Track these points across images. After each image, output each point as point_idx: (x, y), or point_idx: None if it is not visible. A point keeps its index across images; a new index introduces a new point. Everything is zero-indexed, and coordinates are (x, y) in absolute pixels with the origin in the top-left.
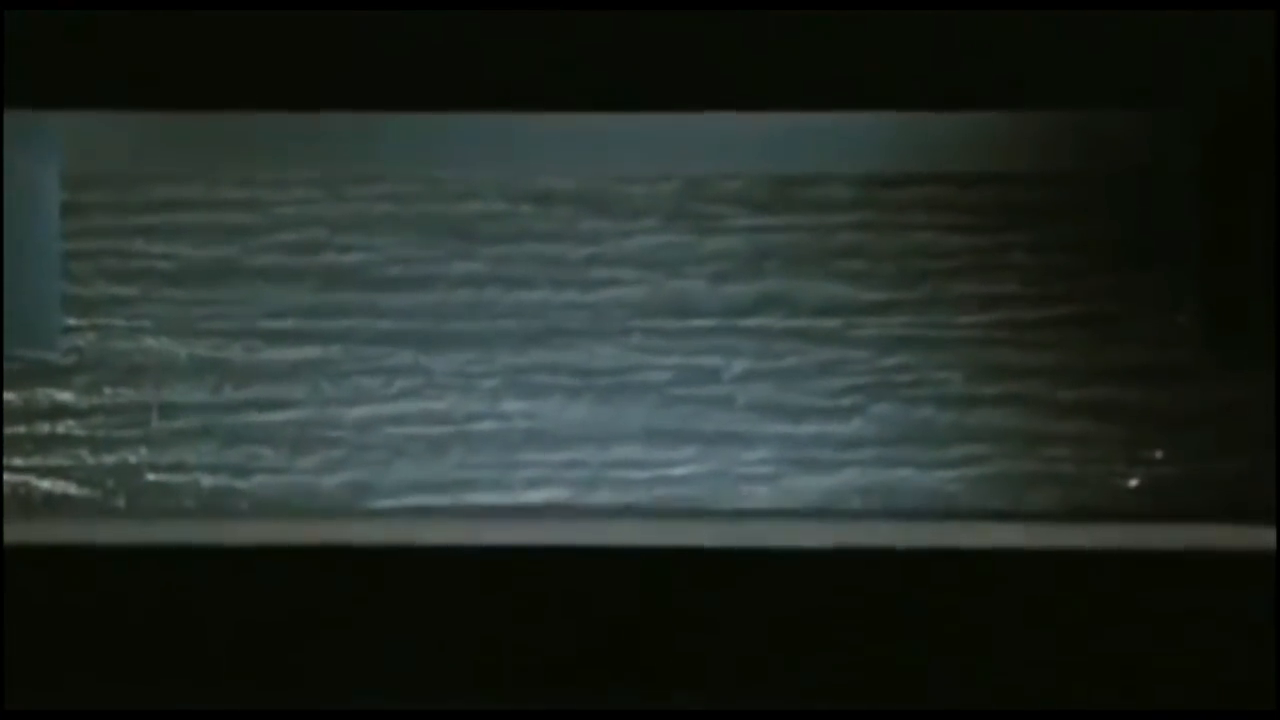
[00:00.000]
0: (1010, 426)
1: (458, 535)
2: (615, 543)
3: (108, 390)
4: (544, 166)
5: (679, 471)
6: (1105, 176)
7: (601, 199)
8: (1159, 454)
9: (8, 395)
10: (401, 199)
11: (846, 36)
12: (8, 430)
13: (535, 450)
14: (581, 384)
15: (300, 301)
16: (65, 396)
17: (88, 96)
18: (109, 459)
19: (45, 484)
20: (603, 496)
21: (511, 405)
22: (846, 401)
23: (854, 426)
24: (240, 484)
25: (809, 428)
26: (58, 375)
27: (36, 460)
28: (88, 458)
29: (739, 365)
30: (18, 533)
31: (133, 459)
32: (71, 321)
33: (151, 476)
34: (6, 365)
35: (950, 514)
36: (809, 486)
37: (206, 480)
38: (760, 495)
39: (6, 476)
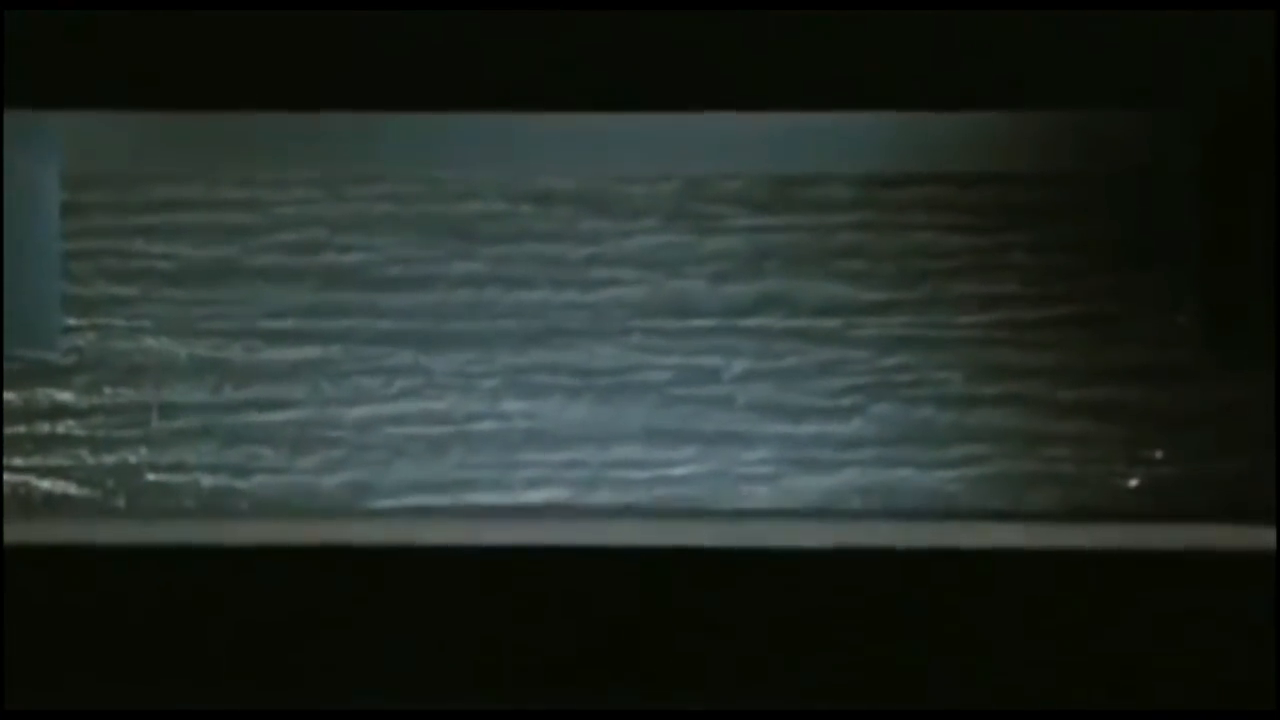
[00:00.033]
0: (1010, 426)
1: (458, 535)
2: (615, 543)
3: (108, 390)
4: (544, 166)
5: (679, 471)
6: (1105, 177)
7: (601, 199)
8: (1159, 454)
9: (8, 395)
10: (401, 199)
11: (846, 37)
12: (8, 430)
13: (535, 450)
14: (581, 384)
15: (300, 301)
16: (65, 396)
17: (88, 96)
18: (109, 459)
19: (45, 484)
20: (603, 496)
21: (511, 405)
22: (846, 401)
23: (854, 426)
24: (240, 484)
25: (809, 428)
26: (58, 375)
27: (37, 460)
28: (88, 458)
29: (739, 365)
30: (18, 533)
31: (133, 459)
32: (71, 321)
33: (151, 476)
34: (7, 365)
35: (950, 514)
36: (809, 486)
37: (206, 480)
38: (760, 495)
39: (6, 476)
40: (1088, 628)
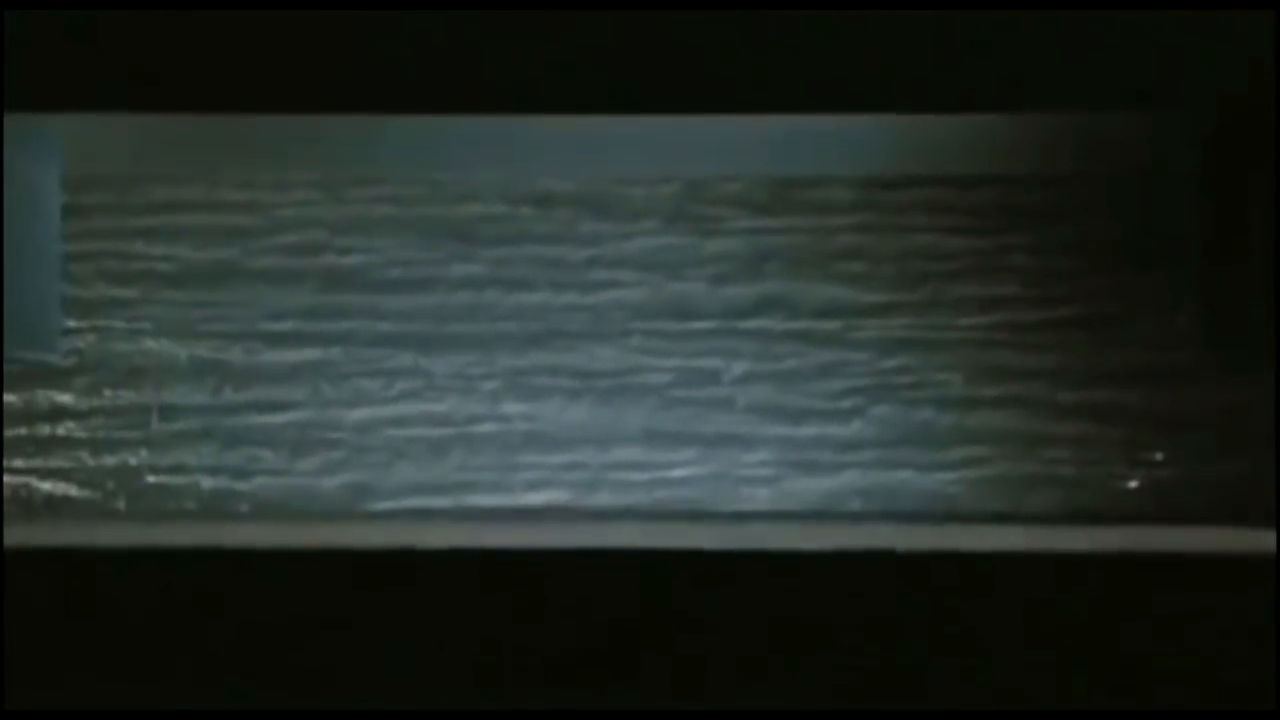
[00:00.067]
0: (1010, 428)
1: (458, 537)
2: (615, 545)
3: (108, 392)
4: (544, 169)
5: (679, 473)
6: (1105, 178)
7: (602, 201)
8: (1159, 456)
9: (8, 397)
10: (402, 201)
11: (846, 39)
12: (8, 432)
13: (535, 452)
14: (581, 386)
15: (300, 303)
16: (65, 398)
17: (88, 99)
18: (109, 461)
19: (46, 486)
20: (603, 498)
21: (512, 407)
22: (847, 403)
23: (854, 428)
24: (240, 486)
25: (809, 430)
26: (58, 377)
27: (37, 462)
28: (88, 459)
29: (739, 367)
30: (18, 534)
31: (133, 461)
32: (72, 323)
33: (152, 478)
34: (7, 367)
35: (950, 516)
36: (809, 488)
37: (206, 482)
38: (760, 497)
39: (7, 478)
40: (1088, 630)
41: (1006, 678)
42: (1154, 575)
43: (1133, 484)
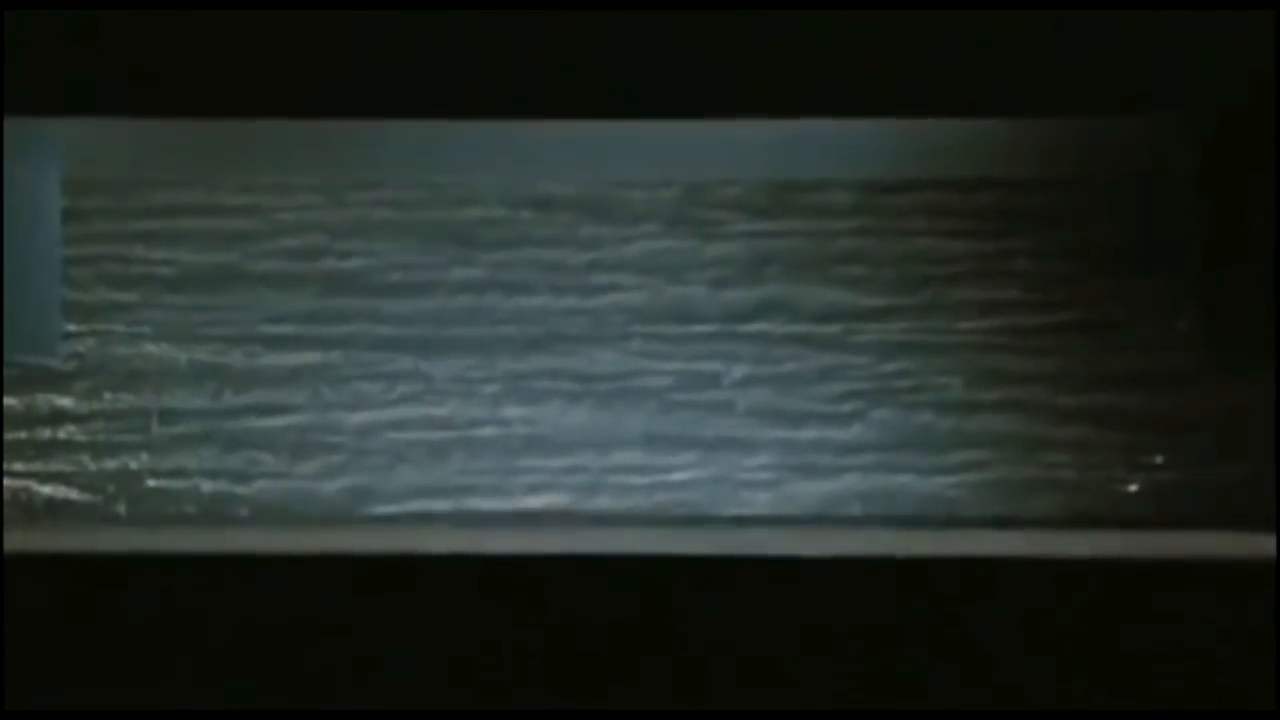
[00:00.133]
0: (1010, 432)
1: (458, 541)
2: (615, 549)
3: (108, 396)
4: (544, 172)
5: (679, 477)
6: (1105, 182)
7: (602, 205)
8: (1159, 459)
9: (8, 401)
10: (402, 205)
11: (846, 42)
12: (8, 436)
13: (535, 456)
14: (582, 389)
15: (301, 307)
16: (66, 402)
17: (88, 103)
18: (110, 464)
19: (46, 489)
20: (603, 502)
21: (512, 411)
22: (847, 407)
23: (854, 432)
24: (241, 489)
25: (809, 433)
26: (58, 381)
27: (37, 466)
28: (88, 463)
29: (739, 370)
30: (18, 538)
31: (133, 464)
32: (72, 327)
33: (152, 482)
34: (7, 371)
35: (951, 519)
36: (809, 492)
37: (207, 485)
38: (760, 501)
39: (7, 482)
40: (1088, 634)
41: (1007, 681)
42: (1154, 580)
43: (1133, 487)
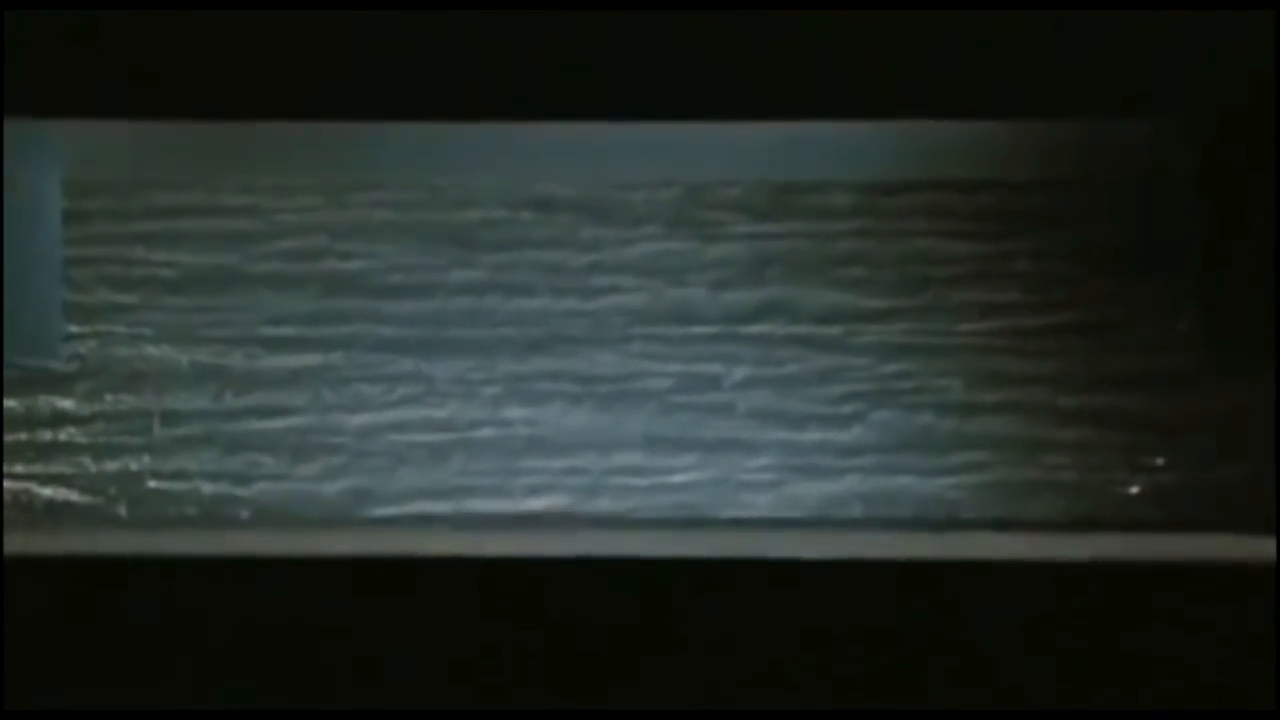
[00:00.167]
0: (1011, 434)
1: (458, 543)
2: (615, 551)
3: (109, 397)
4: (544, 174)
5: (679, 479)
6: (1105, 183)
7: (602, 206)
8: (1160, 461)
9: (9, 402)
10: (402, 206)
11: (847, 42)
12: (9, 437)
13: (536, 457)
14: (582, 391)
15: (301, 308)
16: (67, 404)
17: (89, 104)
18: (111, 466)
19: (47, 491)
20: (603, 504)
21: (512, 412)
22: (847, 409)
23: (855, 434)
24: (241, 491)
25: (810, 435)
26: (59, 382)
27: (38, 467)
28: (89, 465)
29: (740, 372)
30: (19, 540)
31: (134, 466)
32: (73, 329)
33: (153, 483)
34: (7, 372)
35: (951, 521)
36: (810, 494)
37: (207, 487)
38: (761, 502)
39: (8, 484)
40: (1088, 636)
41: (1007, 683)
42: (1154, 582)
43: (1134, 489)
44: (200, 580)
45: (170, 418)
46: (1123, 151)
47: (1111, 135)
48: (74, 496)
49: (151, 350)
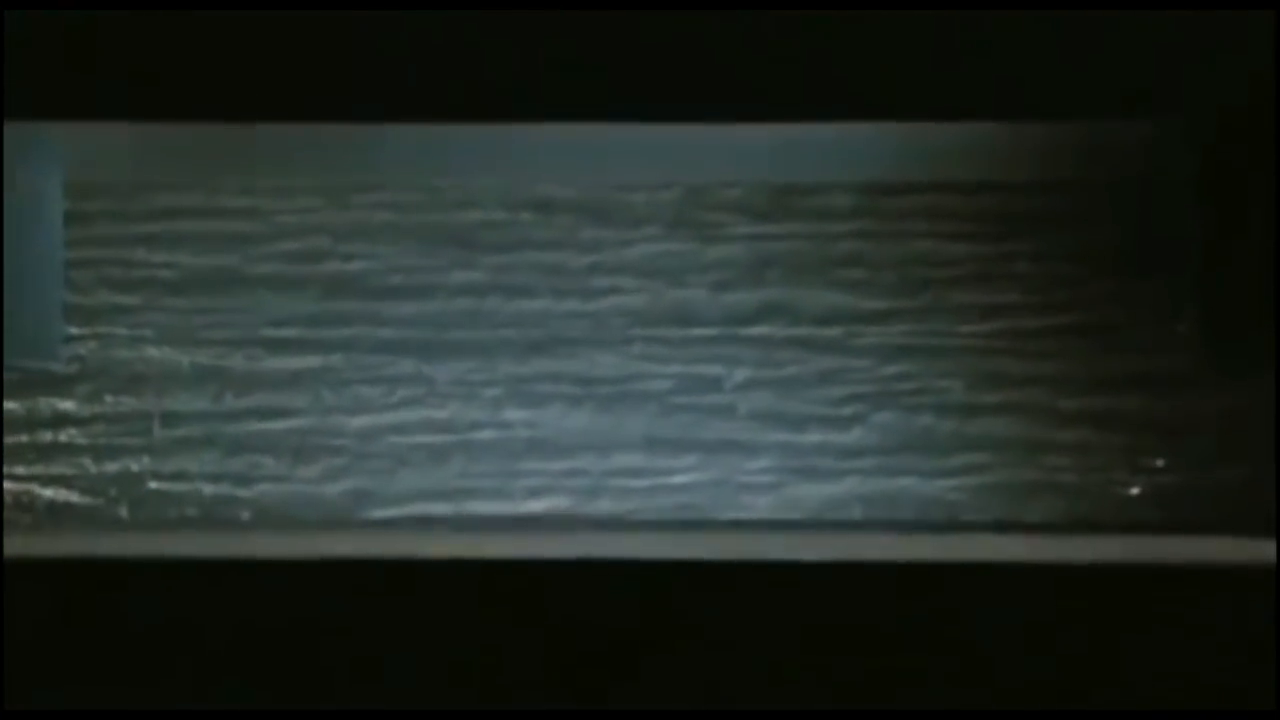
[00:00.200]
0: (1011, 435)
1: (459, 544)
2: (615, 553)
3: (110, 399)
4: (544, 175)
5: (680, 480)
6: (1105, 185)
7: (602, 207)
8: (1160, 462)
9: (10, 404)
10: (402, 208)
11: (847, 44)
12: (9, 439)
13: (536, 459)
14: (583, 393)
15: (302, 310)
16: (67, 405)
17: (89, 106)
18: (111, 467)
19: (48, 492)
20: (603, 505)
21: (513, 414)
22: (847, 410)
23: (855, 435)
24: (242, 492)
25: (810, 436)
26: (60, 384)
27: (39, 469)
28: (90, 466)
29: (740, 374)
30: (20, 541)
31: (135, 467)
32: (74, 330)
33: (154, 485)
34: (8, 374)
35: (951, 523)
36: (810, 495)
37: (208, 489)
38: (761, 504)
39: (9, 485)
40: (1088, 638)
41: (1007, 685)
42: (1154, 584)
43: (1134, 490)
44: (201, 581)
45: (171, 419)
46: (1123, 153)
47: (1112, 136)
48: (75, 498)
49: (152, 352)
